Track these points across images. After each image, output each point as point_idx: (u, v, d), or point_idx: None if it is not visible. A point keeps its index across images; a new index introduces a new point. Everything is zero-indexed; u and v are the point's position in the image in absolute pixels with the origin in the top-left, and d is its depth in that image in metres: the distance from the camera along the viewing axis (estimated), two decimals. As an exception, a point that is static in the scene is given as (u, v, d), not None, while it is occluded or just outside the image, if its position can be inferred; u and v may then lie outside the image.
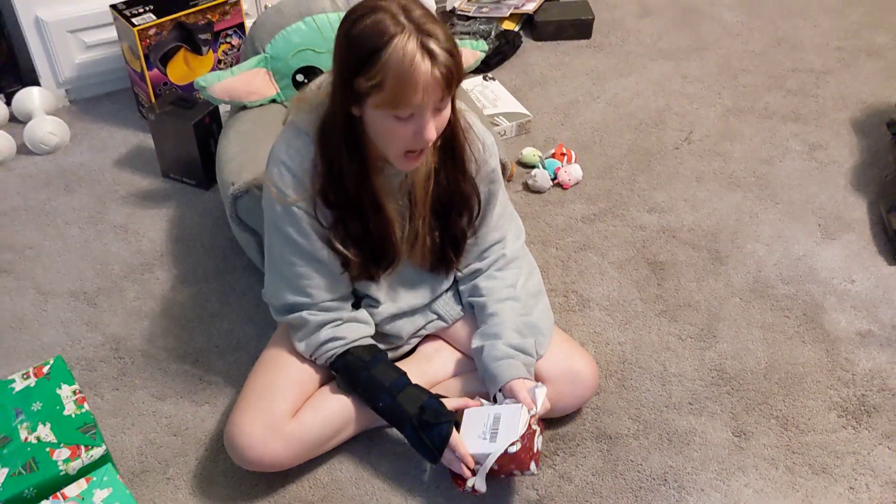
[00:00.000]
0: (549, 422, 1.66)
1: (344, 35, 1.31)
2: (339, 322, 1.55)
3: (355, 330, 1.55)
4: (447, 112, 1.37)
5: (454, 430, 1.47)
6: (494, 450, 1.43)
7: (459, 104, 1.48)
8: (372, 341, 1.58)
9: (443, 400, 1.51)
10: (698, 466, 1.60)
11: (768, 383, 1.74)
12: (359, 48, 1.28)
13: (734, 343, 1.85)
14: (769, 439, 1.64)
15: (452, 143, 1.47)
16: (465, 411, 1.52)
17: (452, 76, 1.29)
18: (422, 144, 1.35)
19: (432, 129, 1.33)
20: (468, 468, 1.45)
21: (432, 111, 1.32)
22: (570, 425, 1.67)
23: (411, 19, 1.27)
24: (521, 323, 1.58)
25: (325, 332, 1.53)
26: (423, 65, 1.26)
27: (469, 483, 1.45)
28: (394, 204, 1.49)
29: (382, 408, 1.50)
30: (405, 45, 1.25)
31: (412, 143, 1.35)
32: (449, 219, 1.54)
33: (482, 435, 1.46)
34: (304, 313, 1.54)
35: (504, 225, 1.65)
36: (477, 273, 1.65)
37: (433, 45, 1.26)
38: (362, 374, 1.51)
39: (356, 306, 1.61)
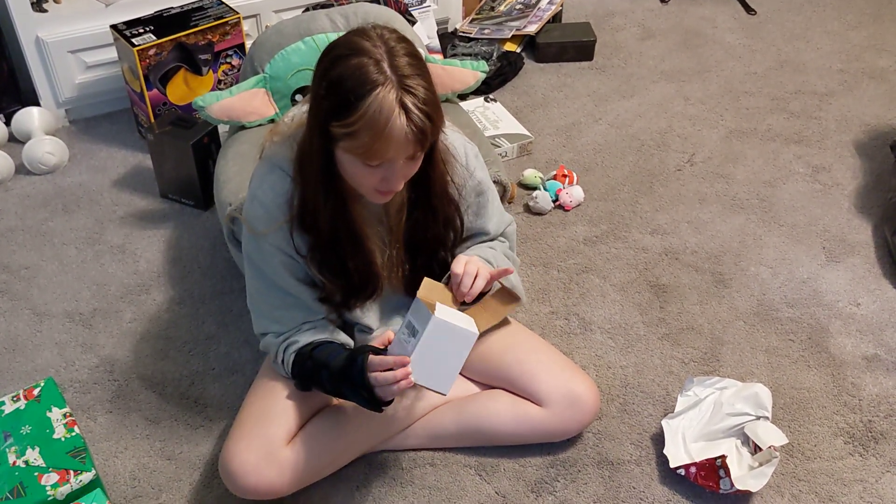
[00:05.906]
0: (550, 447, 1.63)
1: (322, 74, 1.27)
2: (296, 332, 1.50)
3: (308, 336, 1.50)
4: (420, 158, 1.34)
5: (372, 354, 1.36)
6: (420, 337, 1.30)
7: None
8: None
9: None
10: (702, 494, 1.57)
11: (773, 408, 1.71)
12: (336, 93, 1.24)
13: (738, 367, 1.82)
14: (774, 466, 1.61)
15: (427, 184, 1.43)
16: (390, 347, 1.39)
17: (426, 136, 1.26)
18: (389, 190, 1.33)
19: (401, 181, 1.32)
20: (400, 372, 1.32)
21: (404, 161, 1.29)
22: (570, 451, 1.64)
23: (395, 69, 1.23)
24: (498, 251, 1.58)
25: (283, 345, 1.50)
26: (399, 122, 1.22)
27: (412, 378, 1.31)
28: (373, 230, 1.47)
29: (326, 385, 1.44)
30: (383, 99, 1.21)
31: (380, 186, 1.32)
32: (419, 254, 1.51)
33: (404, 339, 1.34)
34: (270, 336, 1.52)
35: (502, 232, 1.64)
36: None
37: (411, 104, 1.22)
38: (307, 363, 1.46)
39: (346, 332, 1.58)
